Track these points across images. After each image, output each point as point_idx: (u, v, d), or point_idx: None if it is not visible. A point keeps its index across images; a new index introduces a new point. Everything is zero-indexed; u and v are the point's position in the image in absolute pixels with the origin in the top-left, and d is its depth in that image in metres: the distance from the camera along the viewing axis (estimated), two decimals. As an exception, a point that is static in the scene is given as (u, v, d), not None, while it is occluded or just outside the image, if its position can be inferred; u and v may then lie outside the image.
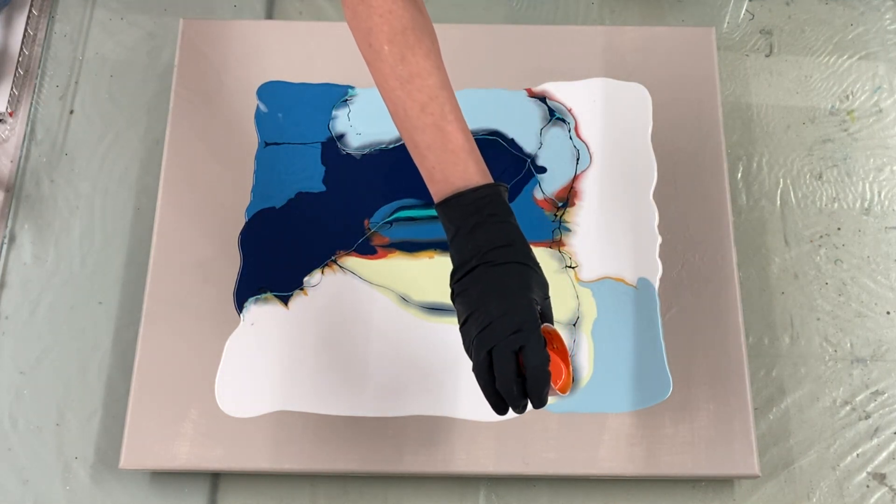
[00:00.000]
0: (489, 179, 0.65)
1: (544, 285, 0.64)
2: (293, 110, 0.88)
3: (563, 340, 0.63)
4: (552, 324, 0.64)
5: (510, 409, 0.62)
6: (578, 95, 0.89)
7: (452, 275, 0.65)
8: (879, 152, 0.90)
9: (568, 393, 0.64)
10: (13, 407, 0.81)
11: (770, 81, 0.93)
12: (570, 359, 0.64)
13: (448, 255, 0.82)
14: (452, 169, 0.64)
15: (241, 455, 0.76)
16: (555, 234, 0.83)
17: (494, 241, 0.63)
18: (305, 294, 0.81)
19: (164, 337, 0.79)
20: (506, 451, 0.76)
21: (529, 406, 0.62)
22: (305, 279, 0.82)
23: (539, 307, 0.63)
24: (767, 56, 0.94)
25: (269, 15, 0.96)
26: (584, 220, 0.84)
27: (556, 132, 0.87)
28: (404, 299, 0.81)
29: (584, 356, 0.79)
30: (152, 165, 0.88)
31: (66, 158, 0.90)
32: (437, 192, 0.65)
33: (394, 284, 0.81)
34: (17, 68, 0.92)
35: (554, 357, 0.63)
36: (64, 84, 0.93)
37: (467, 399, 0.78)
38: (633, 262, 0.82)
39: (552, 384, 0.62)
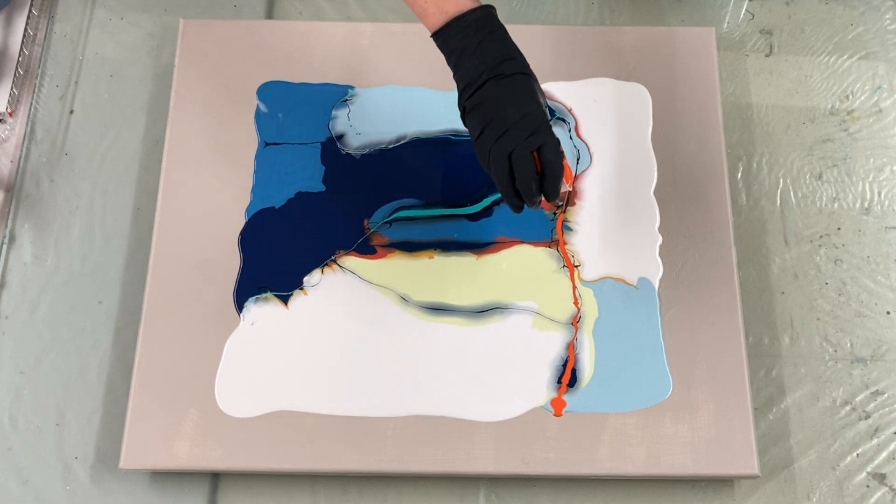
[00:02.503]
0: (479, 2, 0.71)
1: (543, 93, 0.71)
2: (293, 110, 0.88)
3: (560, 140, 0.71)
4: None
5: (525, 207, 0.72)
6: (578, 95, 0.89)
7: (462, 94, 0.71)
8: (879, 152, 0.90)
9: (571, 186, 0.74)
10: (13, 407, 0.81)
11: (770, 81, 0.93)
12: (565, 157, 0.72)
13: (448, 254, 0.83)
14: (444, 0, 0.70)
15: (241, 455, 0.76)
16: (554, 234, 0.83)
17: (498, 55, 0.70)
18: (305, 294, 0.81)
19: (164, 337, 0.79)
20: (506, 451, 0.76)
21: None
22: (305, 279, 0.82)
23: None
24: (767, 56, 0.94)
25: (269, 15, 0.96)
26: (585, 219, 0.84)
27: (556, 132, 0.87)
28: (404, 299, 0.81)
29: (586, 356, 0.79)
30: (152, 165, 0.88)
31: (66, 158, 0.90)
32: (434, 24, 0.71)
33: (393, 284, 0.81)
34: (17, 68, 0.92)
35: None
36: (64, 84, 0.93)
37: (467, 399, 0.78)
38: (633, 262, 0.82)
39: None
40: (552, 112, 0.88)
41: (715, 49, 0.90)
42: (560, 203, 0.83)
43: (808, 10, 0.97)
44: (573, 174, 0.74)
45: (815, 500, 0.78)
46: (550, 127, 0.70)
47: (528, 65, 0.71)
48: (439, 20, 0.70)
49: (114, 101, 0.92)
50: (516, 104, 0.69)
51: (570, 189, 0.74)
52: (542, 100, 0.71)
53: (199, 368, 0.79)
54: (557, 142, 0.70)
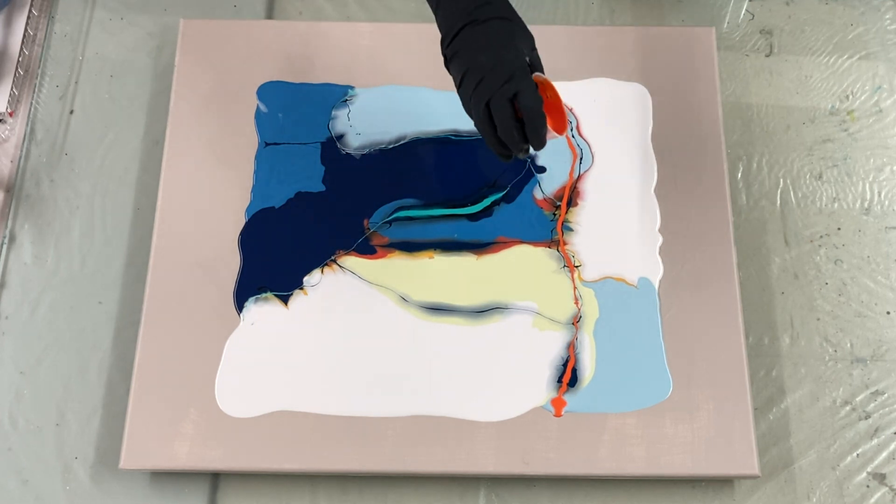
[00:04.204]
0: None
1: (529, 37, 0.70)
2: (293, 110, 0.88)
3: (555, 87, 0.68)
4: (542, 73, 0.69)
5: (514, 155, 0.70)
6: (579, 95, 0.89)
7: (442, 42, 0.70)
8: (879, 152, 0.90)
9: (564, 134, 0.71)
10: (13, 407, 0.81)
11: (770, 81, 0.93)
12: (562, 103, 0.68)
13: (448, 254, 0.83)
14: None
15: (241, 455, 0.76)
16: (554, 234, 0.83)
17: (476, 0, 0.68)
18: (305, 294, 0.81)
19: (164, 337, 0.79)
20: (506, 451, 0.76)
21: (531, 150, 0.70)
22: (305, 279, 0.82)
23: (527, 58, 0.68)
24: (767, 56, 0.94)
25: (269, 15, 0.96)
26: (585, 219, 0.84)
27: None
28: (404, 299, 0.81)
29: (587, 356, 0.79)
30: (152, 165, 0.88)
31: (66, 158, 0.90)
32: None
33: (393, 284, 0.81)
34: (17, 68, 0.92)
35: (547, 101, 0.68)
36: (64, 84, 0.93)
37: (467, 399, 0.78)
38: (634, 262, 0.82)
39: (549, 126, 0.68)
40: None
41: (715, 49, 0.90)
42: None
43: (808, 10, 0.97)
44: (562, 118, 0.68)
45: (815, 500, 0.78)
46: (527, 72, 0.67)
47: (508, 7, 0.70)
48: None
49: (114, 101, 0.92)
50: (490, 51, 0.67)
51: (563, 136, 0.72)
52: (520, 44, 0.68)
53: (199, 368, 0.79)
54: (534, 87, 0.67)
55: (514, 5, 0.96)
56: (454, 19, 0.69)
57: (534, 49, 0.70)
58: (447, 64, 0.71)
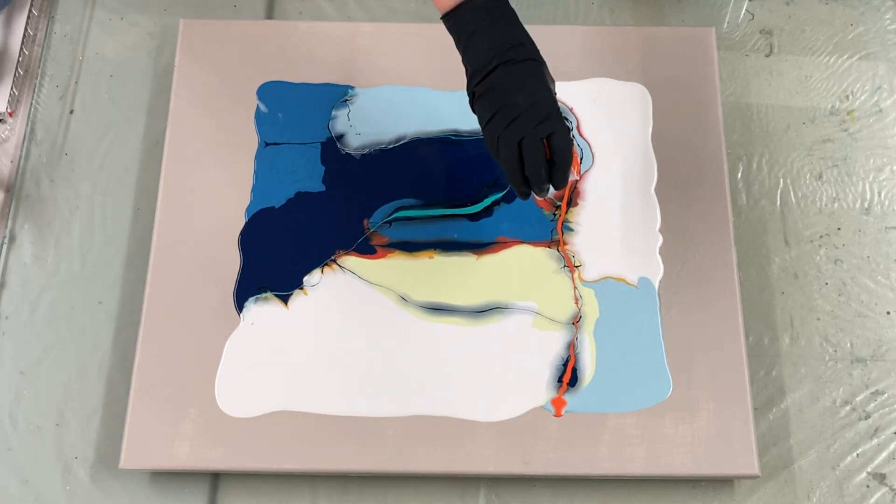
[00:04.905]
0: None
1: (552, 80, 0.71)
2: (293, 110, 0.88)
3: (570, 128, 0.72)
4: None
5: (532, 194, 0.72)
6: (579, 95, 0.89)
7: (471, 80, 0.70)
8: (879, 152, 0.90)
9: (578, 175, 0.77)
10: (13, 407, 0.81)
11: (770, 81, 0.93)
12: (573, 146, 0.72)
13: (448, 254, 0.83)
14: None
15: (241, 455, 0.76)
16: (554, 234, 0.83)
17: (509, 40, 0.69)
18: (305, 294, 0.81)
19: (164, 337, 0.79)
20: (506, 451, 0.76)
21: (550, 189, 0.72)
22: (305, 279, 0.82)
23: None
24: (767, 56, 0.94)
25: (269, 15, 0.96)
26: (585, 219, 0.84)
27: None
28: (404, 299, 0.81)
29: (587, 356, 0.79)
30: (152, 165, 0.88)
31: (66, 158, 0.90)
32: (445, 5, 0.71)
33: (393, 284, 0.81)
34: (17, 68, 0.92)
35: None
36: (64, 84, 0.93)
37: (467, 399, 0.78)
38: (634, 262, 0.82)
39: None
40: None
41: (715, 49, 0.90)
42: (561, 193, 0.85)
43: (808, 10, 0.97)
44: (580, 165, 0.74)
45: (815, 500, 0.78)
46: (561, 114, 0.70)
47: (538, 51, 0.71)
48: (450, 2, 0.70)
49: (114, 101, 0.92)
50: (527, 91, 0.68)
51: (578, 178, 0.75)
52: (552, 87, 0.70)
53: (199, 368, 0.79)
54: (568, 129, 0.70)
55: (514, 5, 0.96)
56: (487, 57, 0.69)
57: (555, 92, 0.71)
58: (474, 101, 0.71)
